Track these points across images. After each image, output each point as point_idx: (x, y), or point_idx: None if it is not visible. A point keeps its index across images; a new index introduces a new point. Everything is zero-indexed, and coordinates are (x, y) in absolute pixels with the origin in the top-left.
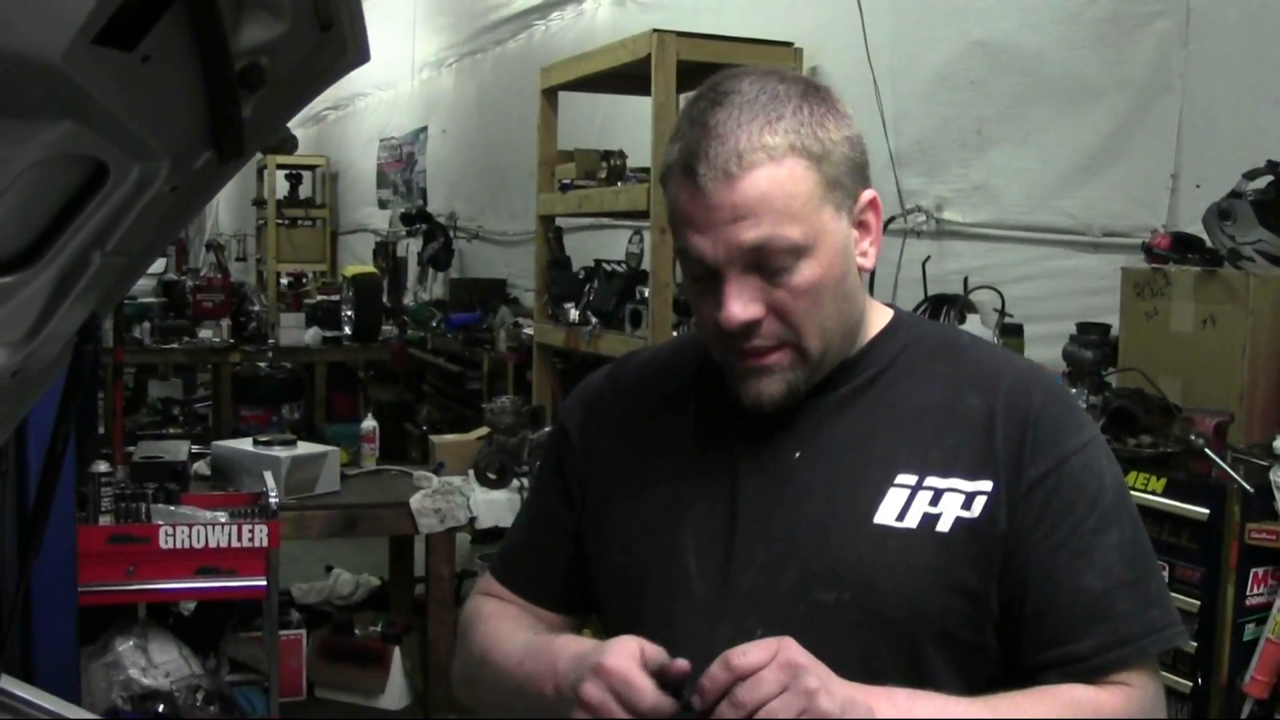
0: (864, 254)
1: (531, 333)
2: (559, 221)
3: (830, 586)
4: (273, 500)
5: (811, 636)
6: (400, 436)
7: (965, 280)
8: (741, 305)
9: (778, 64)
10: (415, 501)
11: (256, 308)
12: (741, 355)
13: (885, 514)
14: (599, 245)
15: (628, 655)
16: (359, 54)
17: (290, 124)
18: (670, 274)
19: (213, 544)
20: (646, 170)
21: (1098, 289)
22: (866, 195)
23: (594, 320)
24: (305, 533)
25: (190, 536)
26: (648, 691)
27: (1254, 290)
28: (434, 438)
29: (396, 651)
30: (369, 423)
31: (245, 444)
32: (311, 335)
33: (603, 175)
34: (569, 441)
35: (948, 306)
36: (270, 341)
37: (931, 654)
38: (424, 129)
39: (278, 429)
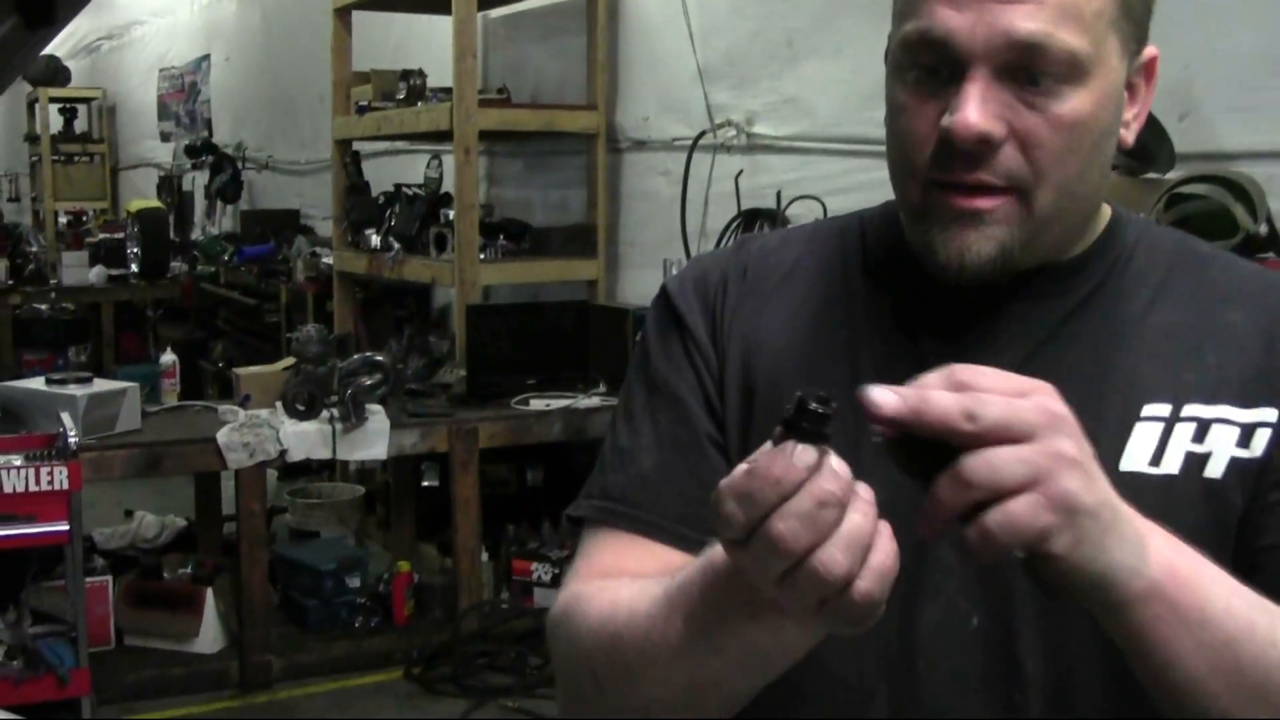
0: (1126, 124)
1: (331, 262)
2: (356, 146)
3: None
4: (72, 440)
5: (1042, 624)
6: (196, 374)
7: (779, 194)
8: (983, 113)
9: None
10: (223, 436)
11: (34, 248)
12: (951, 191)
13: (1135, 457)
14: (397, 170)
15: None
16: None
17: (62, 55)
18: (475, 195)
19: (8, 489)
20: (448, 90)
21: None
22: (1149, 52)
23: (396, 246)
24: (107, 473)
25: None
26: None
27: None
28: (238, 370)
29: (209, 593)
30: (168, 357)
31: (37, 383)
32: (96, 274)
33: (402, 95)
34: (691, 332)
35: (762, 221)
36: (52, 282)
37: None
38: (206, 57)
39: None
